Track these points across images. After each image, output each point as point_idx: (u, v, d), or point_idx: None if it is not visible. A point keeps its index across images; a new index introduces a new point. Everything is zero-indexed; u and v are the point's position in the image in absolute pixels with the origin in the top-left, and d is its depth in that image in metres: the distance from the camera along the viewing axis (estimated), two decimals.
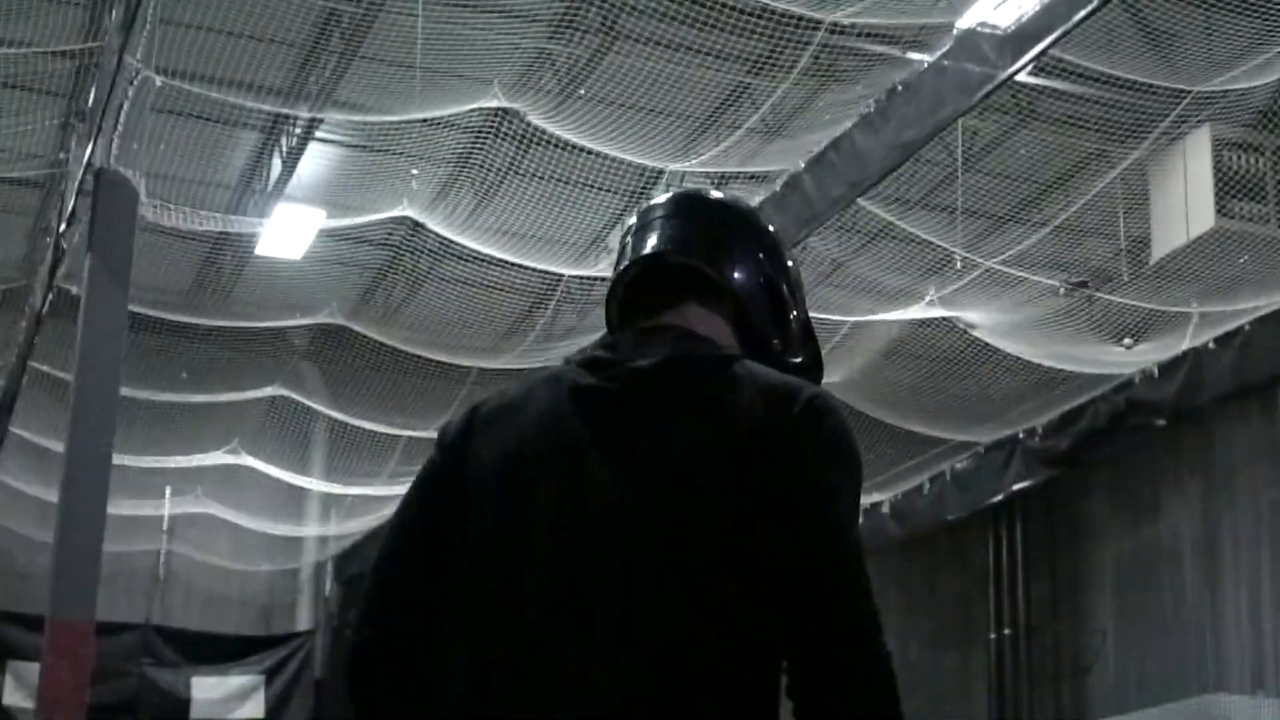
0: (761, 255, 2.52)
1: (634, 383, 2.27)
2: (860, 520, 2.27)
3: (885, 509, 18.00)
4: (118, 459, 10.77)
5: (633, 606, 2.11)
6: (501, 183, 13.30)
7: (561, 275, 14.06)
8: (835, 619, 2.14)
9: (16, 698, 16.16)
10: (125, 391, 11.11)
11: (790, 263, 2.58)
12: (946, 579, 22.09)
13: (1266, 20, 10.77)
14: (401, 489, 13.54)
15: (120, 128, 10.98)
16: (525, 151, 12.63)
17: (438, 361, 15.10)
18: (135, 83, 10.81)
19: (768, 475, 2.16)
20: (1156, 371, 14.95)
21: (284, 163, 12.98)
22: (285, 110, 12.06)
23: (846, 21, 10.92)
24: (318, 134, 12.59)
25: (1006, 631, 20.40)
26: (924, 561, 21.91)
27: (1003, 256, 13.37)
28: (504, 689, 2.16)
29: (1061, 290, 14.07)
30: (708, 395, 2.24)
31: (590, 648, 2.11)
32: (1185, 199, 12.61)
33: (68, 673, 11.21)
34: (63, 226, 12.07)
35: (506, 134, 12.38)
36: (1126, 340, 15.00)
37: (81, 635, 11.29)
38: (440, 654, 2.31)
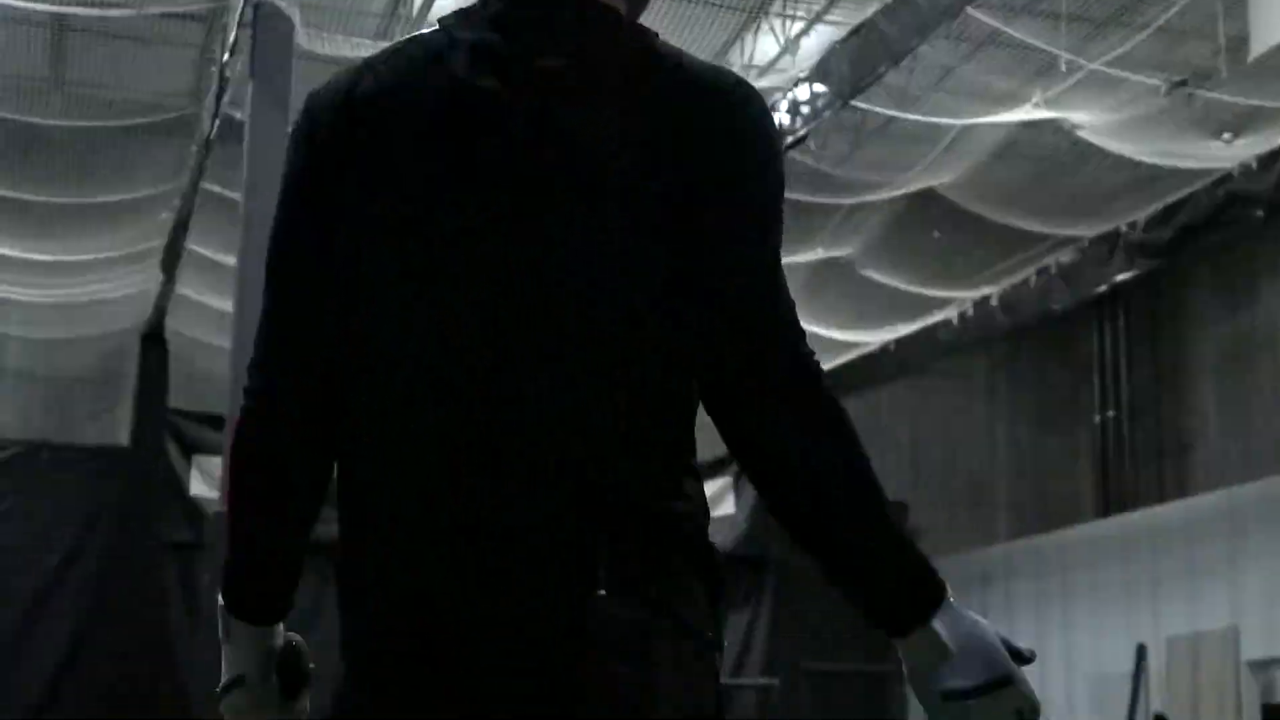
0: None
1: (546, 88, 1.99)
2: (781, 223, 2.08)
3: (994, 301, 18.41)
4: None
5: (574, 327, 1.96)
6: None
7: None
8: (758, 310, 2.02)
9: (202, 488, 17.15)
10: None
11: None
12: (1053, 366, 22.76)
13: None
14: None
15: None
16: None
17: None
18: None
19: (693, 168, 1.98)
20: (1255, 164, 15.28)
21: None
22: None
23: None
24: None
25: (1111, 414, 21.12)
26: (1032, 351, 22.55)
27: (1105, 58, 13.65)
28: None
29: (1162, 90, 14.26)
30: (629, 91, 2.00)
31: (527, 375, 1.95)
32: None
33: None
34: (225, 57, 12.70)
35: None
36: (1225, 135, 15.29)
37: None
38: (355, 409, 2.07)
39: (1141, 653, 17.91)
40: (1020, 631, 19.46)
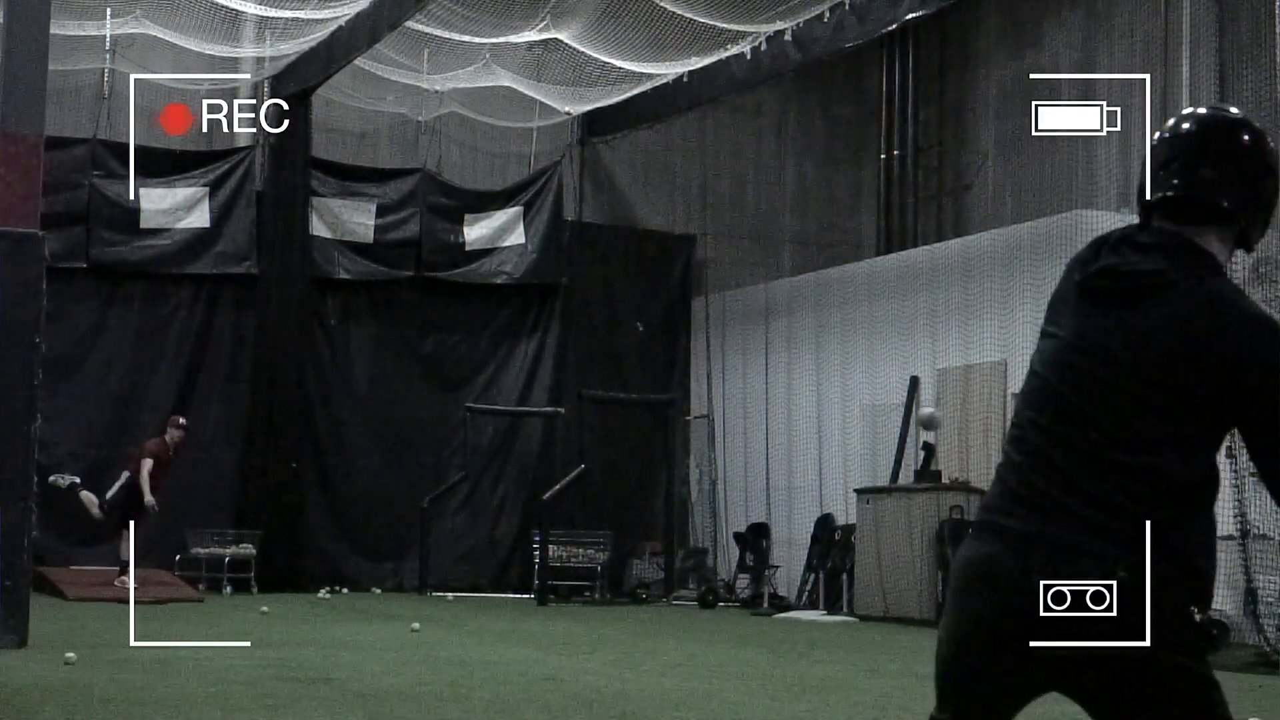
0: (1269, 179, 3.29)
1: (1128, 285, 3.24)
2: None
3: (788, 36, 18.30)
4: None
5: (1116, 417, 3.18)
6: None
7: None
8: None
9: None
10: None
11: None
12: (842, 104, 23.14)
13: None
14: (332, 12, 14.30)
15: None
16: None
17: None
18: None
19: (1209, 362, 3.13)
20: None
21: None
22: None
23: None
24: None
25: (895, 153, 21.59)
26: (822, 87, 22.88)
27: None
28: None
29: None
30: (1174, 307, 3.18)
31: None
32: None
33: (20, 183, 11.94)
34: None
35: None
36: None
37: (32, 147, 11.99)
38: None
39: (914, 384, 18.57)
40: (800, 364, 20.05)
